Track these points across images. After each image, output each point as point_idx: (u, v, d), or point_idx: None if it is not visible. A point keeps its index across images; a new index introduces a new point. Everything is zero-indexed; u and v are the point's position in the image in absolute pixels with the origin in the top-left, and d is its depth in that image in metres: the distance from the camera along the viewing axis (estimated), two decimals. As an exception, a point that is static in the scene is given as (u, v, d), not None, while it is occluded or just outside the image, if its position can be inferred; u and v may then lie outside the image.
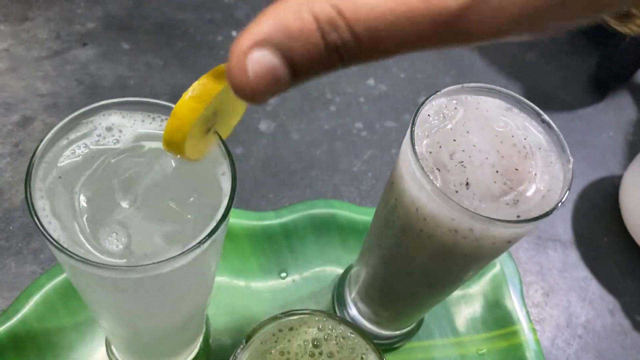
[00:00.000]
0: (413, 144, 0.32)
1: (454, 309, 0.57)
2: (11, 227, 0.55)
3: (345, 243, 0.58)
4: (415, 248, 0.37)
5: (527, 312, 0.56)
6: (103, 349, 0.49)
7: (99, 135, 0.31)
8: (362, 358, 0.41)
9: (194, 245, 0.27)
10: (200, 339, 0.50)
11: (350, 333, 0.43)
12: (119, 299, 0.31)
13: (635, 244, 0.65)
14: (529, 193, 0.33)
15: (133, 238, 0.28)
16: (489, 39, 0.20)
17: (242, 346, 0.40)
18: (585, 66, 0.82)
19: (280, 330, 0.42)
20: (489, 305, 0.57)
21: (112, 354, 0.48)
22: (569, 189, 0.33)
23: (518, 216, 0.32)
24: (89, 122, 0.31)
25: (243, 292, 0.54)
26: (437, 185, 0.32)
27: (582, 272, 0.63)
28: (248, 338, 0.41)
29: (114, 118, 0.31)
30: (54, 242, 0.25)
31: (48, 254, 0.53)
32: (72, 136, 0.30)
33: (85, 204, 0.28)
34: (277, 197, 0.62)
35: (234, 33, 0.74)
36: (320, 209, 0.59)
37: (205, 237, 0.27)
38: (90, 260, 0.25)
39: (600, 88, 0.80)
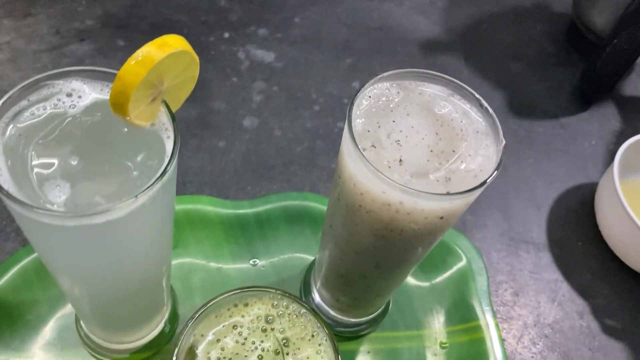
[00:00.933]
0: (350, 121, 0.34)
1: (419, 302, 0.58)
2: (-3, 206, 0.58)
3: (316, 235, 0.60)
4: (359, 224, 0.38)
5: (492, 309, 0.57)
6: (73, 324, 0.51)
7: (59, 100, 0.33)
8: (312, 335, 0.43)
9: (129, 199, 0.29)
10: (166, 316, 0.52)
11: (303, 311, 0.44)
12: (69, 255, 0.33)
13: (609, 249, 0.66)
14: (461, 172, 0.35)
15: (77, 191, 0.30)
16: None
17: (195, 317, 0.42)
18: (570, 77, 0.84)
19: (235, 305, 0.44)
20: (453, 299, 0.58)
21: (81, 327, 0.50)
22: (497, 169, 0.35)
23: (448, 192, 0.34)
24: (51, 85, 0.33)
25: (214, 274, 0.56)
26: (371, 160, 0.34)
27: (554, 275, 0.64)
28: (203, 309, 0.43)
29: (76, 84, 0.34)
30: (2, 190, 0.28)
31: (30, 232, 0.56)
32: (33, 98, 0.33)
33: (37, 160, 0.31)
34: (255, 190, 0.64)
35: (226, 35, 0.77)
36: (293, 201, 0.61)
37: (141, 192, 0.29)
38: (29, 205, 0.28)
39: (584, 98, 0.81)
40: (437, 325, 0.57)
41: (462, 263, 0.60)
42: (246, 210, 0.60)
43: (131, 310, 0.44)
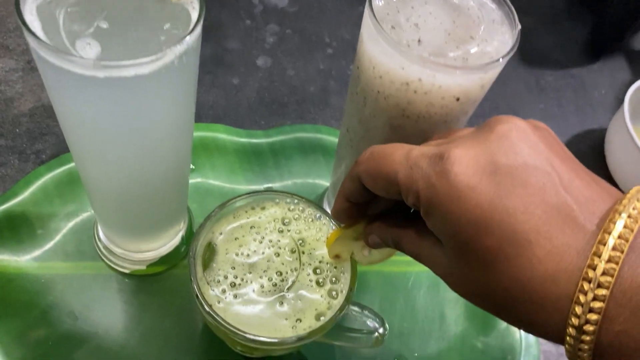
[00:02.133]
0: (370, 2, 0.35)
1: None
2: (17, 130, 0.59)
3: (329, 164, 0.61)
4: (376, 116, 0.39)
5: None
6: (91, 237, 0.52)
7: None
8: (327, 238, 0.44)
9: (158, 53, 0.30)
10: (183, 231, 0.53)
11: (319, 215, 0.45)
12: (96, 117, 0.33)
13: (620, 188, 0.66)
14: (478, 54, 0.36)
15: (107, 49, 0.31)
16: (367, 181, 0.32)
17: (212, 216, 0.43)
18: (580, 32, 0.84)
19: (253, 208, 0.45)
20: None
21: (99, 240, 0.51)
22: (513, 50, 0.35)
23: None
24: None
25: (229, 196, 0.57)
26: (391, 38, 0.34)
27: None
28: (220, 209, 0.44)
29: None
30: (31, 32, 0.29)
31: (49, 154, 0.57)
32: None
33: (68, 23, 0.32)
34: (269, 125, 0.65)
35: (240, -18, 0.79)
36: (307, 133, 0.62)
37: (169, 47, 0.30)
38: (64, 52, 0.28)
39: (594, 51, 0.82)
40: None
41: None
42: (260, 139, 0.61)
43: (151, 210, 0.45)
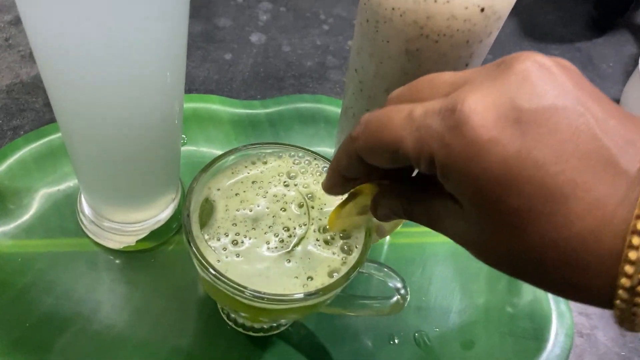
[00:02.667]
0: None
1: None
2: (-7, 107, 0.54)
3: (332, 136, 0.56)
4: (390, 41, 0.35)
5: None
6: (73, 209, 0.47)
7: None
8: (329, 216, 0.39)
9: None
10: (175, 202, 0.48)
11: (327, 166, 0.41)
12: (80, 33, 0.29)
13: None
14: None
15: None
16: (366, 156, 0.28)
17: (208, 169, 0.38)
18: (583, 8, 0.82)
19: (253, 163, 0.41)
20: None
21: (83, 215, 0.46)
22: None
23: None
24: None
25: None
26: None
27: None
28: (216, 162, 0.39)
29: None
30: None
31: (27, 129, 0.53)
32: None
33: None
34: (265, 98, 0.61)
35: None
36: (307, 103, 0.58)
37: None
38: None
39: (599, 26, 0.79)
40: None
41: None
42: (257, 110, 0.56)
43: (139, 169, 0.40)
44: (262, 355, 0.43)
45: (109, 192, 0.43)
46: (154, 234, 0.47)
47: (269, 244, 0.37)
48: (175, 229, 0.48)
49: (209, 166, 0.39)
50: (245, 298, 0.34)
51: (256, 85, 0.61)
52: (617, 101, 0.69)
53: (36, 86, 0.56)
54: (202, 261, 0.34)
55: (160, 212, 0.46)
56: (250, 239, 0.37)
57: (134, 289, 0.44)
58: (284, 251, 0.36)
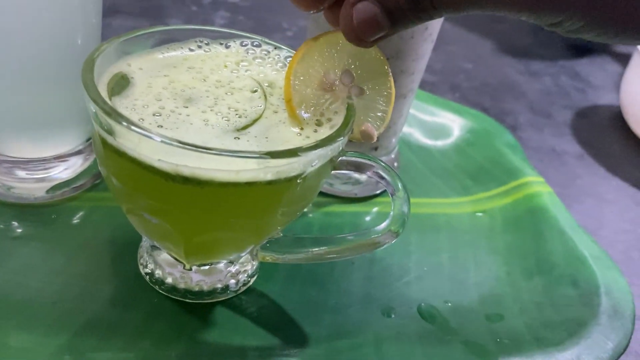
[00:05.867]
0: None
1: (436, 171, 0.44)
2: None
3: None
4: None
5: (534, 169, 0.44)
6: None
7: None
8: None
9: None
10: (89, 156, 0.36)
11: (289, 57, 0.31)
12: None
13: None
14: None
15: None
16: None
17: (124, 39, 0.28)
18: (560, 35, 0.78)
19: (191, 50, 0.30)
20: (480, 165, 0.44)
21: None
22: None
23: None
24: None
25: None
26: None
27: (599, 171, 0.51)
28: (136, 34, 0.29)
29: None
30: None
31: None
32: None
33: None
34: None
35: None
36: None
37: None
38: None
39: (578, 50, 0.75)
40: (467, 192, 0.42)
41: (478, 127, 0.47)
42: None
43: (42, 87, 0.30)
44: (199, 327, 0.29)
45: (9, 114, 0.32)
46: (59, 186, 0.34)
47: (207, 121, 0.25)
48: (87, 185, 0.36)
49: (130, 34, 0.28)
50: (164, 166, 0.22)
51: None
52: (615, 107, 0.62)
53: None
54: (106, 110, 0.22)
55: (68, 152, 0.35)
56: (180, 115, 0.25)
57: (22, 245, 0.31)
58: (230, 129, 0.25)
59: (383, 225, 0.29)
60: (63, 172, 0.35)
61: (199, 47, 0.31)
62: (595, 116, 0.61)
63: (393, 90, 0.28)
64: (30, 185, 0.34)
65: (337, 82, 0.27)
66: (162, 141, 0.21)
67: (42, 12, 0.29)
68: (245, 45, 0.31)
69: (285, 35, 0.63)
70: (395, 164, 0.42)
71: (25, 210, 0.33)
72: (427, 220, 0.39)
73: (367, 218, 0.39)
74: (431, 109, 0.49)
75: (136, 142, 0.22)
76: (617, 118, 0.60)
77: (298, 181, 0.24)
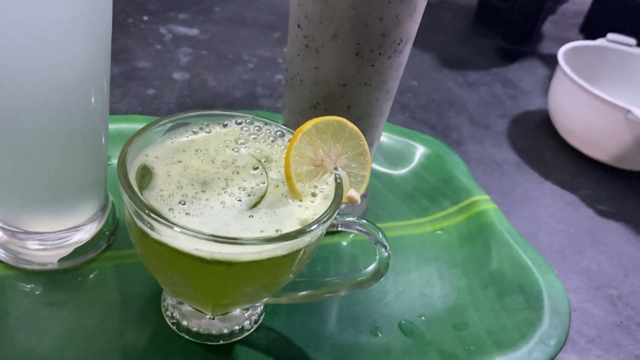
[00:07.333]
0: None
1: (398, 194, 0.51)
2: None
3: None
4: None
5: (480, 188, 0.51)
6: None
7: None
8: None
9: None
10: (102, 217, 0.41)
11: (282, 132, 0.36)
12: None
13: (580, 152, 0.63)
14: None
15: None
16: None
17: (142, 133, 0.33)
18: (492, 42, 0.87)
19: (195, 133, 0.36)
20: (435, 186, 0.51)
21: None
22: None
23: None
24: None
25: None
26: None
27: (533, 176, 0.60)
28: (151, 127, 0.34)
29: None
30: None
31: None
32: None
33: None
34: (196, 126, 0.56)
35: (145, 17, 0.74)
36: (242, 119, 0.54)
37: None
38: None
39: (509, 55, 0.83)
40: (425, 213, 0.49)
41: (430, 152, 0.54)
42: (189, 127, 0.52)
43: (60, 171, 0.35)
44: (226, 365, 0.35)
45: (30, 194, 0.36)
46: (78, 251, 0.39)
47: (224, 204, 0.31)
48: (103, 246, 0.40)
49: (144, 130, 0.33)
50: (201, 254, 0.27)
51: (185, 114, 0.57)
52: (544, 111, 0.71)
53: None
54: (146, 211, 0.28)
55: (85, 223, 0.39)
56: (201, 200, 0.31)
57: (59, 310, 0.36)
58: (244, 208, 0.31)
59: (371, 267, 0.35)
60: (79, 238, 0.39)
61: (201, 129, 0.36)
62: (528, 122, 0.69)
63: (369, 157, 0.35)
64: (48, 253, 0.38)
65: (325, 158, 0.33)
66: (202, 238, 0.27)
67: (56, 91, 0.32)
68: (240, 123, 0.37)
69: (247, 67, 0.68)
70: (366, 193, 0.49)
71: (51, 276, 0.38)
72: (396, 243, 0.46)
73: (348, 247, 0.45)
74: (389, 137, 0.56)
75: (175, 235, 0.28)
76: (547, 122, 0.68)
77: (306, 249, 0.30)
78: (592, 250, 0.51)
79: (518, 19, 0.79)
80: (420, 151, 0.55)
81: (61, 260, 0.38)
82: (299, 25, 0.37)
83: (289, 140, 0.35)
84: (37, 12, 0.29)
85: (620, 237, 0.53)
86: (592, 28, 0.85)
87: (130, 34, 0.70)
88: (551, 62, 0.83)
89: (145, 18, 0.74)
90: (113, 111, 0.55)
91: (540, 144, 0.65)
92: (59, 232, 0.38)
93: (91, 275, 0.39)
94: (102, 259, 0.40)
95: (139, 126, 0.49)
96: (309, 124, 0.33)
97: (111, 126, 0.49)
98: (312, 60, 0.38)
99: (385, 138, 0.56)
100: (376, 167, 0.53)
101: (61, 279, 0.38)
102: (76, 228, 0.39)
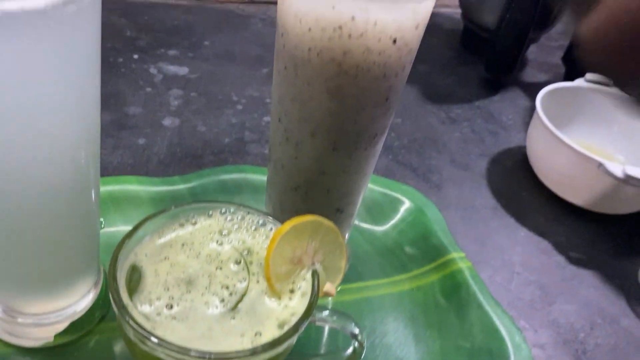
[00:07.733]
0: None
1: (379, 251, 0.54)
2: None
3: (261, 203, 0.55)
4: (310, 83, 0.35)
5: (456, 244, 0.54)
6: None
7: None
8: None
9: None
10: (95, 289, 0.43)
11: (262, 221, 0.39)
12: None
13: (555, 194, 0.66)
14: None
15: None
16: None
17: (133, 235, 0.35)
18: (475, 71, 0.89)
19: (182, 225, 0.38)
20: (414, 242, 0.54)
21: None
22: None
23: None
24: None
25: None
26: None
27: (509, 221, 0.62)
28: (141, 226, 0.36)
29: None
30: None
31: None
32: None
33: None
34: (186, 177, 0.59)
35: (135, 56, 0.76)
36: (230, 174, 0.57)
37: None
38: None
39: (492, 85, 0.85)
40: (403, 270, 0.52)
41: (411, 206, 0.57)
42: (178, 185, 0.54)
43: (55, 257, 0.37)
44: None
45: (22, 280, 0.38)
46: (74, 326, 0.42)
47: (207, 304, 0.33)
48: (98, 318, 0.43)
49: (133, 231, 0.36)
50: (188, 362, 0.30)
51: (174, 165, 0.59)
52: (522, 147, 0.73)
53: None
54: (137, 329, 0.30)
55: (80, 299, 0.42)
56: (186, 301, 0.33)
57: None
58: (226, 309, 0.33)
59: (349, 351, 0.38)
60: (74, 311, 0.42)
61: (187, 221, 0.38)
62: (507, 160, 0.72)
63: (344, 248, 0.37)
64: (43, 329, 0.41)
65: (303, 255, 0.36)
66: (197, 356, 0.29)
67: (50, 177, 0.33)
68: (224, 213, 0.39)
69: (236, 109, 0.70)
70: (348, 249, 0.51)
71: (48, 352, 0.41)
72: (377, 303, 0.49)
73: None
74: (371, 188, 0.58)
75: (160, 350, 0.30)
76: (525, 161, 0.71)
77: (287, 347, 0.33)
78: (562, 301, 0.54)
79: (501, 50, 0.81)
80: (401, 203, 0.58)
81: (57, 335, 0.41)
82: (279, 120, 0.40)
83: (271, 230, 0.38)
84: (25, 97, 0.28)
85: (589, 285, 0.56)
86: (573, 59, 0.87)
87: (120, 74, 0.72)
88: (534, 91, 0.85)
89: (136, 57, 0.75)
90: (104, 165, 0.58)
91: (518, 185, 0.68)
92: (54, 312, 0.41)
93: (88, 348, 0.41)
94: (97, 331, 0.42)
95: (130, 187, 0.51)
96: (287, 226, 0.35)
97: (102, 188, 0.51)
98: (292, 151, 0.40)
99: (367, 190, 0.58)
100: (358, 222, 0.56)
101: (58, 353, 0.41)
102: (70, 306, 0.42)
